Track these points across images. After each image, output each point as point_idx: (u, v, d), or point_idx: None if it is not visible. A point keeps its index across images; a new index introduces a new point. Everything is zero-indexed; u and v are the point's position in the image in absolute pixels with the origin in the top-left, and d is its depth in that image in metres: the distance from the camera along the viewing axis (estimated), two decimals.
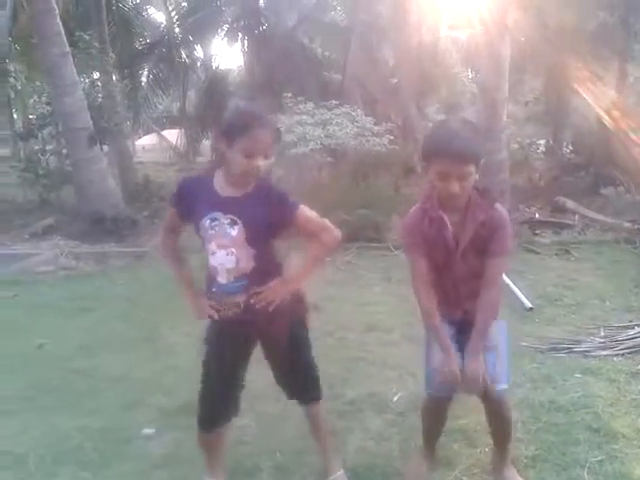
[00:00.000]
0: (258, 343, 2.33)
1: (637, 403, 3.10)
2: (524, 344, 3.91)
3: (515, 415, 2.91)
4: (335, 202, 7.00)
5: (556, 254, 6.71)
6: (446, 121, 2.77)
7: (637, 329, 4.05)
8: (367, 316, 4.76)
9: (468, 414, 2.99)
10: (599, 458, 2.55)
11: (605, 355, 3.70)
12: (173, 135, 18.99)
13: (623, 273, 5.78)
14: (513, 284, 5.26)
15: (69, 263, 7.04)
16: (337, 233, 2.22)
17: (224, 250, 2.12)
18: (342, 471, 2.46)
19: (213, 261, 2.14)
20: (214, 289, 2.19)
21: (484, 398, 2.29)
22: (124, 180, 11.45)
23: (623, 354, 3.73)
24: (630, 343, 3.86)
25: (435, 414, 2.44)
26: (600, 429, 2.80)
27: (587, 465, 2.50)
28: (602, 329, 4.16)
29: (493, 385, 2.21)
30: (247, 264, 2.13)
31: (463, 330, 2.28)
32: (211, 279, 2.19)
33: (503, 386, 2.26)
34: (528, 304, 4.55)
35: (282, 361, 2.33)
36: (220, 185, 2.13)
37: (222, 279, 2.15)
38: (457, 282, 2.25)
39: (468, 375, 2.14)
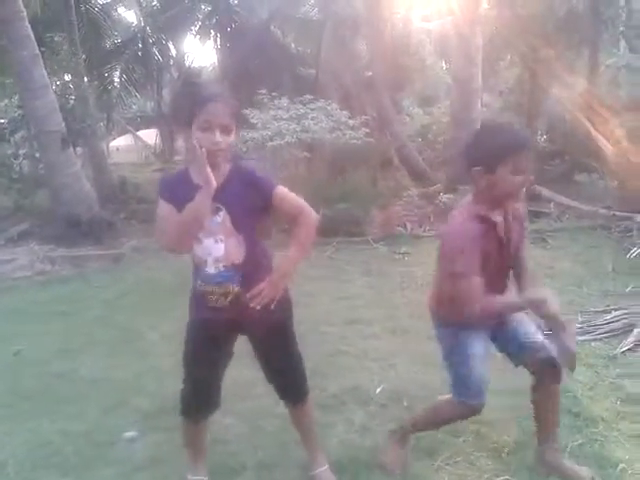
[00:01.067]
0: (237, 340, 2.31)
1: (615, 387, 3.15)
2: None
3: (497, 403, 2.95)
4: (313, 197, 6.93)
5: (532, 242, 6.77)
6: (492, 122, 2.75)
7: (614, 313, 4.11)
8: (348, 310, 4.77)
9: None
10: (579, 442, 2.58)
11: (583, 340, 3.74)
12: (148, 135, 18.84)
13: (599, 259, 5.85)
14: None
15: (45, 268, 6.96)
16: (315, 215, 2.18)
17: (212, 238, 2.08)
18: (327, 466, 2.45)
19: (200, 251, 2.10)
20: (201, 280, 2.14)
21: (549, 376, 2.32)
22: (99, 182, 11.32)
23: (601, 339, 3.78)
24: (607, 327, 3.91)
25: (459, 419, 2.43)
26: (580, 413, 2.85)
27: (568, 449, 2.53)
28: (580, 314, 4.21)
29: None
30: (237, 253, 2.09)
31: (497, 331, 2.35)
32: (198, 271, 2.14)
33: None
34: None
35: (271, 357, 2.30)
36: (196, 175, 2.06)
37: (210, 269, 2.10)
38: (503, 281, 2.27)
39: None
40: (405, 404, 3.08)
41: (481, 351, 2.29)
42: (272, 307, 2.09)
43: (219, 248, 2.09)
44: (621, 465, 2.42)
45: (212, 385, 2.31)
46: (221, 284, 2.10)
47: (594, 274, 5.34)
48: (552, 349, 2.22)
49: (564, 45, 12.00)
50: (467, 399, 2.30)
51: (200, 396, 2.30)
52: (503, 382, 3.17)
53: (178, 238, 2.07)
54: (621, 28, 12.29)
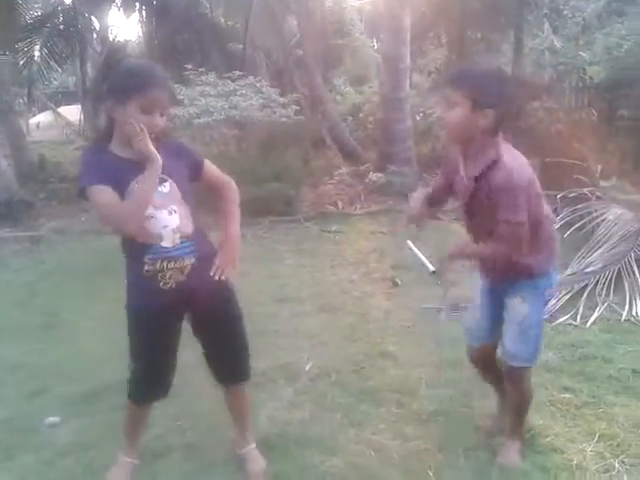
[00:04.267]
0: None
1: None
2: (427, 306, 4.05)
3: (418, 373, 3.05)
4: (244, 176, 6.89)
5: (456, 219, 6.95)
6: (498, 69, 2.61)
7: None
8: (278, 289, 4.78)
9: (375, 375, 3.12)
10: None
11: None
12: (69, 112, 18.05)
13: None
14: (417, 249, 5.43)
15: None
16: (235, 185, 2.28)
17: (164, 210, 2.02)
18: (254, 445, 2.45)
19: (153, 226, 2.01)
20: (151, 259, 2.03)
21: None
22: (17, 161, 10.76)
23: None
24: None
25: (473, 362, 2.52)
26: None
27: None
28: None
29: (507, 360, 2.28)
30: (188, 223, 2.08)
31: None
32: (146, 250, 2.03)
33: (518, 363, 2.27)
34: (431, 268, 4.71)
35: (218, 335, 2.27)
36: (123, 152, 2.01)
37: (167, 242, 2.03)
38: (474, 234, 2.26)
39: None
40: (333, 378, 3.13)
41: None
42: (235, 275, 2.12)
43: (174, 219, 2.04)
44: (536, 430, 2.54)
45: (168, 369, 2.27)
46: (177, 258, 2.05)
47: None
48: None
49: (490, 27, 12.30)
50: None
51: (155, 382, 2.26)
52: (420, 355, 3.32)
53: (139, 218, 1.96)
54: (545, 10, 12.74)
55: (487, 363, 2.47)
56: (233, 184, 2.27)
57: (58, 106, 19.64)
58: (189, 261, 2.06)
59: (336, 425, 2.66)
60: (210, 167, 2.23)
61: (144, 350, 2.20)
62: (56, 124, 18.29)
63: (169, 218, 2.04)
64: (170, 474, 2.40)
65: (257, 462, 2.39)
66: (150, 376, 2.24)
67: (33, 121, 18.79)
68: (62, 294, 4.69)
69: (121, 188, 1.96)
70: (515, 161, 2.02)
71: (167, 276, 2.05)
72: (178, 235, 2.05)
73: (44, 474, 2.45)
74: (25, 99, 15.30)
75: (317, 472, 2.34)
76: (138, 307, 2.15)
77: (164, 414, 2.80)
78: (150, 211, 2.00)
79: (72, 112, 17.44)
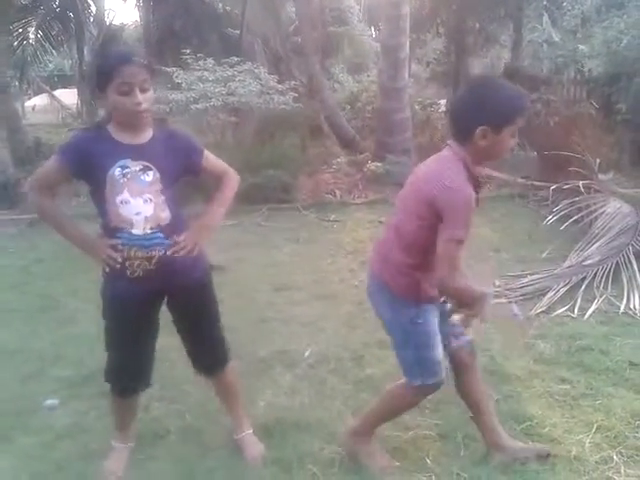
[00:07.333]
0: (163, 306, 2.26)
1: (529, 346, 3.32)
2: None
3: None
4: (242, 163, 6.86)
5: None
6: (490, 78, 2.36)
7: (529, 278, 4.32)
8: (276, 276, 4.77)
9: (375, 364, 3.12)
10: (495, 398, 2.70)
11: (499, 303, 3.91)
12: (66, 95, 17.92)
13: (517, 226, 6.09)
14: None
15: None
16: (236, 175, 2.29)
17: (140, 198, 2.02)
18: (251, 430, 2.46)
19: (126, 211, 2.01)
20: (123, 240, 2.03)
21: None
22: (13, 144, 10.66)
23: (516, 301, 3.98)
24: (522, 291, 4.12)
25: (419, 400, 2.29)
26: (496, 371, 2.99)
27: None
28: (497, 279, 4.39)
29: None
30: (163, 213, 2.06)
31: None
32: (118, 232, 2.03)
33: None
34: None
35: (190, 325, 2.27)
36: (118, 135, 2.03)
37: (137, 230, 2.02)
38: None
39: None
40: (332, 366, 3.14)
41: (437, 328, 2.15)
42: (194, 253, 2.09)
43: (148, 208, 2.03)
44: (534, 420, 2.56)
45: (142, 362, 2.25)
46: (147, 247, 2.03)
47: (511, 241, 5.56)
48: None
49: (489, 18, 12.26)
50: (419, 378, 2.16)
51: (129, 374, 2.24)
52: None
53: (48, 219, 2.17)
54: (544, 2, 12.71)
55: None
56: (233, 174, 2.28)
57: (54, 89, 19.49)
58: (157, 252, 2.05)
59: (335, 412, 2.68)
60: (210, 159, 2.23)
61: (115, 339, 2.20)
62: (51, 107, 18.16)
63: (143, 206, 2.03)
64: (168, 457, 2.41)
65: (255, 447, 2.40)
66: (124, 367, 2.21)
67: (29, 104, 18.65)
68: (59, 277, 4.68)
69: (98, 173, 2.00)
70: None
71: (135, 265, 2.04)
72: (149, 225, 2.04)
73: (43, 457, 2.46)
74: (20, 82, 15.14)
75: (316, 458, 2.35)
76: (108, 295, 2.16)
77: (162, 397, 2.83)
78: (126, 197, 2.01)
79: (68, 95, 17.31)
